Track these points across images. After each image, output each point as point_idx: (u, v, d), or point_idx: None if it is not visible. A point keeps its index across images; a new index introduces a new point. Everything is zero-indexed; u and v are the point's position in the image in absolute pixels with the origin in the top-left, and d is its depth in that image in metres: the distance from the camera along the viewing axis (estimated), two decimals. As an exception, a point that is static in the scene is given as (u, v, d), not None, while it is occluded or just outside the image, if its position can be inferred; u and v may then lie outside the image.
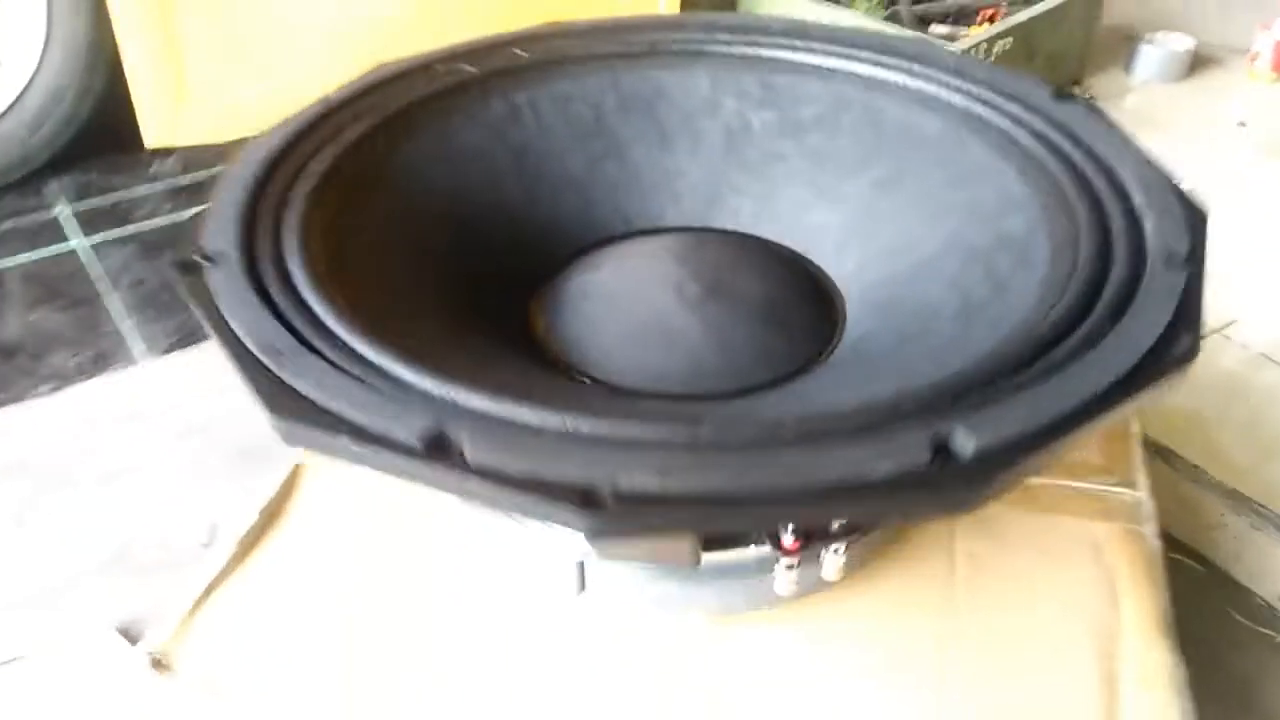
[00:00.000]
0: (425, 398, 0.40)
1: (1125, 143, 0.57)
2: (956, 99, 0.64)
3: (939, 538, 0.61)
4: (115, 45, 1.52)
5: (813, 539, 0.50)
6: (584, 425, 0.39)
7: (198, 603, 0.56)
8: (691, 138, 0.70)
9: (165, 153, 1.71)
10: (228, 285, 0.46)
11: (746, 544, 0.53)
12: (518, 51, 0.70)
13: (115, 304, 1.34)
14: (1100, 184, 0.54)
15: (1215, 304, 1.12)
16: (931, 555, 0.60)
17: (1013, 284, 0.51)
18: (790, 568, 0.50)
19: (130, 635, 0.82)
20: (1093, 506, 0.63)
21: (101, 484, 1.04)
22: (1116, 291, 0.46)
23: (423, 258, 0.57)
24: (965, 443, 0.37)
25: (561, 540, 0.55)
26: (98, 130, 1.64)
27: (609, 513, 0.35)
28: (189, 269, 0.47)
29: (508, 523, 0.57)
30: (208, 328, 0.44)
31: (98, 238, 1.49)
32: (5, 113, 1.55)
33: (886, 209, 0.63)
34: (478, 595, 0.58)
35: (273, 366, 0.41)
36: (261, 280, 0.47)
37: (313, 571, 0.59)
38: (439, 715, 0.52)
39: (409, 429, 0.38)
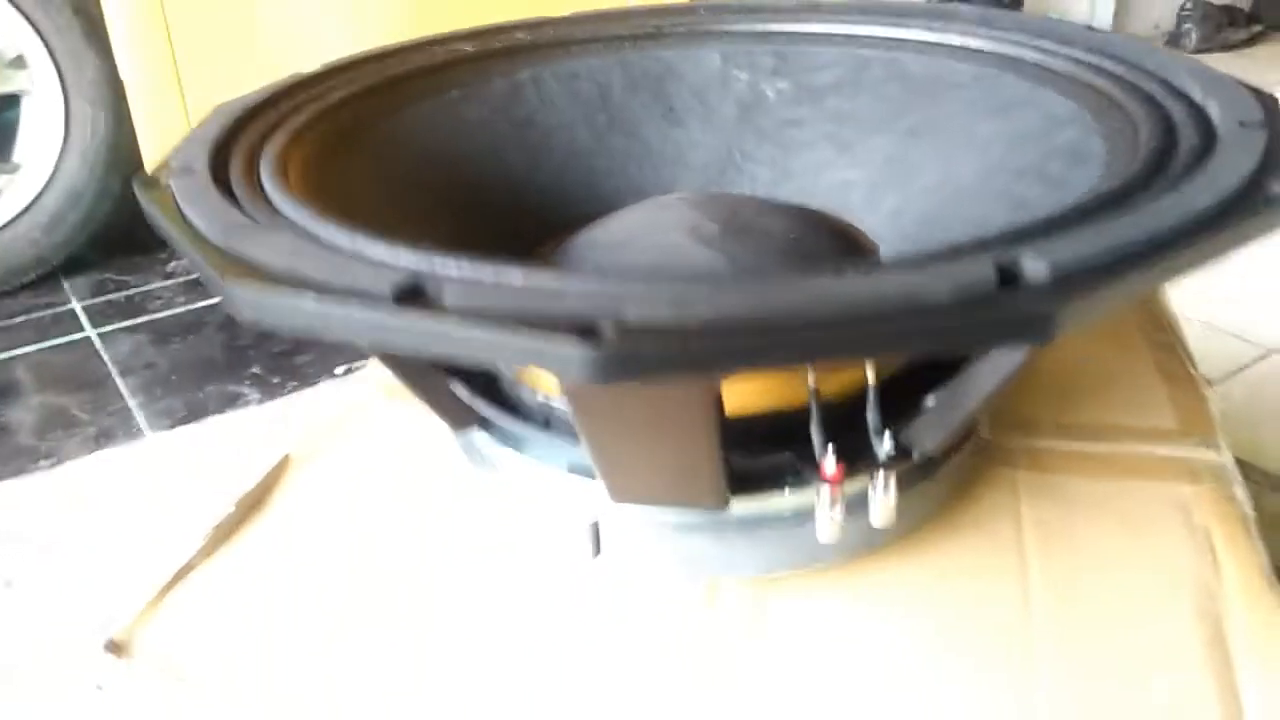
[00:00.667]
0: (399, 265, 0.35)
1: (1173, 55, 0.52)
2: (985, 44, 0.60)
3: (1001, 505, 0.54)
4: (134, 147, 1.54)
5: (858, 464, 0.44)
6: (583, 280, 0.33)
7: (164, 589, 0.50)
8: (703, 112, 0.66)
9: (182, 250, 1.71)
10: (190, 187, 0.41)
11: (781, 486, 0.46)
12: (519, 35, 0.67)
13: (124, 386, 1.31)
14: (1153, 87, 0.49)
15: (1273, 326, 1.07)
16: (994, 521, 0.53)
17: (1070, 179, 0.45)
18: (833, 503, 0.44)
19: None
20: (1175, 469, 0.56)
21: (93, 551, 0.98)
22: (1189, 155, 0.40)
23: (414, 209, 0.53)
24: (1036, 266, 0.31)
25: (574, 497, 0.49)
26: (115, 231, 1.65)
27: (613, 346, 0.29)
28: (150, 184, 0.43)
29: (512, 490, 0.51)
30: (162, 228, 0.39)
31: (110, 327, 1.47)
32: (21, 214, 1.56)
33: (919, 157, 0.58)
34: (479, 575, 0.51)
35: (226, 243, 0.36)
36: (230, 189, 0.42)
37: (294, 561, 0.52)
38: (433, 704, 0.44)
39: (380, 281, 0.32)
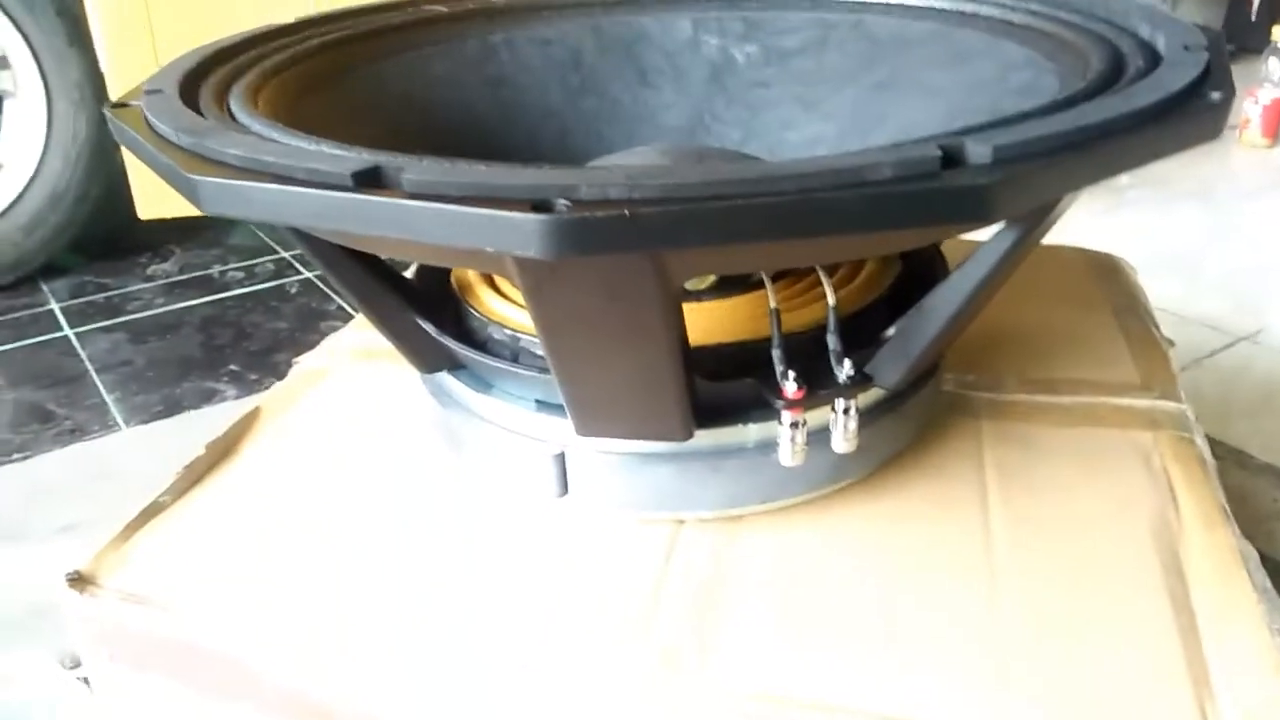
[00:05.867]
0: (359, 157, 0.35)
1: (1128, 2, 0.53)
2: (946, 4, 0.61)
3: (964, 450, 0.54)
4: (115, 150, 1.54)
5: (820, 392, 0.44)
6: (538, 170, 0.34)
7: (132, 526, 0.50)
8: (674, 75, 0.67)
9: (163, 255, 1.72)
10: (158, 103, 0.42)
11: (745, 418, 0.47)
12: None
13: (100, 382, 1.31)
14: (1105, 29, 0.50)
15: (1242, 316, 1.08)
16: (956, 464, 0.53)
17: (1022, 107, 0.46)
18: (795, 426, 0.44)
19: (69, 666, 0.77)
20: (1136, 418, 0.57)
21: (61, 534, 0.97)
22: (1136, 74, 0.41)
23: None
24: (980, 149, 0.32)
25: (542, 433, 0.49)
26: (96, 235, 1.65)
27: (567, 219, 0.30)
28: (120, 107, 0.43)
29: (481, 431, 0.51)
30: (127, 139, 0.39)
31: (87, 327, 1.47)
32: (1, 215, 1.56)
33: (881, 109, 0.59)
34: (445, 515, 0.51)
35: (191, 144, 0.37)
36: (198, 109, 0.43)
37: (264, 502, 0.52)
38: (396, 639, 0.44)
39: (339, 167, 0.33)
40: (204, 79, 0.48)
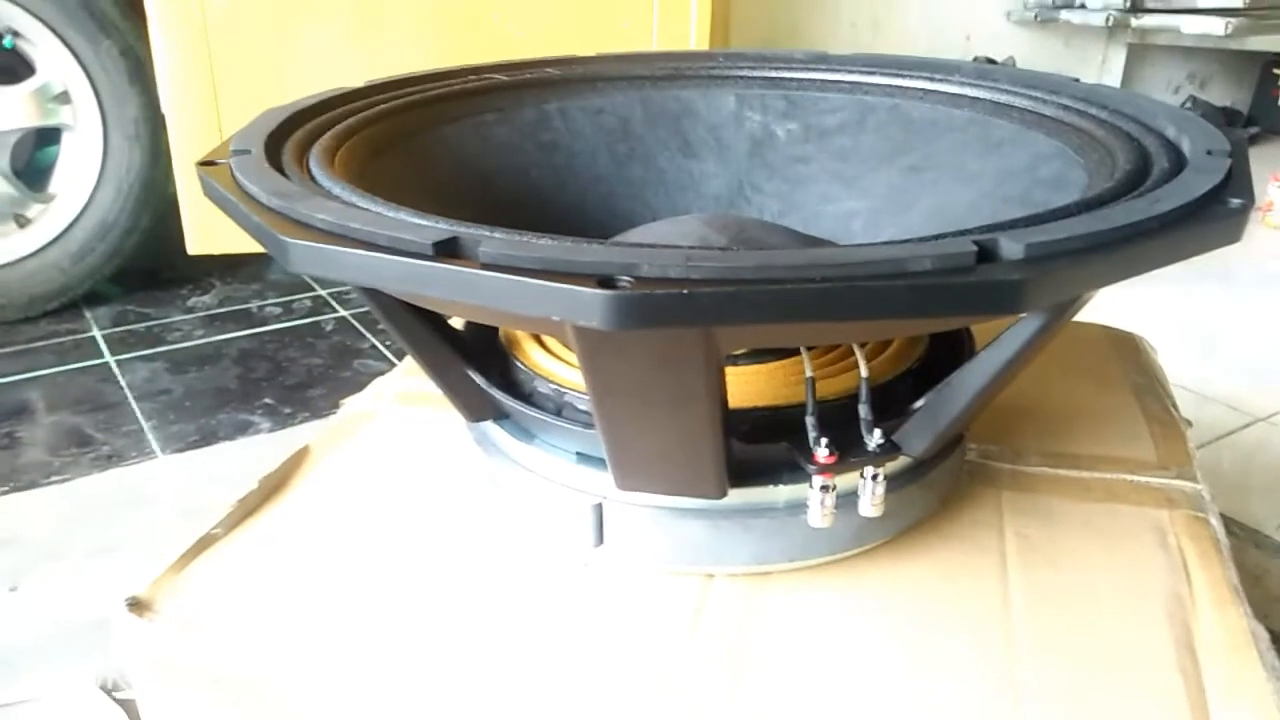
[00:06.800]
0: (438, 228, 0.38)
1: (1154, 100, 0.56)
2: (979, 93, 0.64)
3: (986, 519, 0.57)
4: (167, 186, 1.59)
5: (850, 458, 0.47)
6: (602, 246, 0.37)
7: (186, 556, 0.52)
8: (717, 147, 0.70)
9: (203, 288, 1.76)
10: (246, 164, 0.45)
11: (777, 478, 0.49)
12: (549, 70, 0.72)
13: (139, 410, 1.34)
14: (1132, 127, 0.53)
15: (1260, 397, 1.10)
16: (978, 532, 0.55)
17: (1052, 203, 0.49)
18: (825, 489, 0.46)
19: (109, 690, 0.79)
20: (1153, 496, 0.59)
21: (97, 556, 1.00)
22: (1161, 176, 0.44)
23: (448, 214, 0.57)
24: (1013, 246, 0.35)
25: (581, 484, 0.51)
26: (141, 267, 1.70)
27: (629, 295, 0.33)
28: (208, 164, 0.47)
29: (522, 480, 0.54)
30: (219, 197, 0.43)
31: (128, 355, 1.51)
32: (52, 243, 1.61)
33: (916, 191, 0.62)
34: (485, 557, 0.53)
35: (281, 206, 0.40)
36: (282, 169, 0.46)
37: (313, 537, 0.55)
38: (435, 678, 0.47)
39: (420, 236, 0.36)
40: (285, 140, 0.51)
